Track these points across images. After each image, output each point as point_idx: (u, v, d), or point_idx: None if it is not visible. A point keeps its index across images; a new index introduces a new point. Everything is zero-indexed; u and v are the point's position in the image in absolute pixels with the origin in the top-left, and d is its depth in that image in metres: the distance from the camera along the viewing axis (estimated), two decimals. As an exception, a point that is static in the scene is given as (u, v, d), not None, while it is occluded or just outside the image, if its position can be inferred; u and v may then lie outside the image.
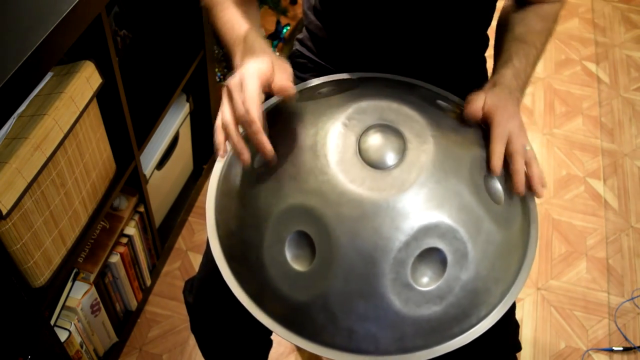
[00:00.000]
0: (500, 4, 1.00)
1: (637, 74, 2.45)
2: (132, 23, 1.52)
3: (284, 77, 0.80)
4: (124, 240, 1.42)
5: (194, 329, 1.07)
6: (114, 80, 1.17)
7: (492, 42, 1.01)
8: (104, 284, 1.39)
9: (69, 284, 1.27)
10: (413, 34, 0.97)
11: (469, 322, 0.74)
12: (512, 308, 0.96)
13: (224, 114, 0.78)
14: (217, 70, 1.96)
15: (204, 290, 1.01)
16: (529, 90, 2.28)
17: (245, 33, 0.86)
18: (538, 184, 0.80)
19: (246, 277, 0.77)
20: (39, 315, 1.11)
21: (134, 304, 1.57)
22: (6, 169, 0.91)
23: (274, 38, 2.23)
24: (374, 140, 0.75)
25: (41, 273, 1.09)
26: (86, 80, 1.06)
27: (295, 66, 1.08)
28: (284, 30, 2.26)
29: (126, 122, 1.25)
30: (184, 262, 1.76)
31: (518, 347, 0.99)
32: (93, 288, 1.31)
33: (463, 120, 0.83)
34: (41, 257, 1.07)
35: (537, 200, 0.83)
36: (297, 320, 0.74)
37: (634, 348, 1.65)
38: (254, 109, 0.74)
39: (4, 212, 0.92)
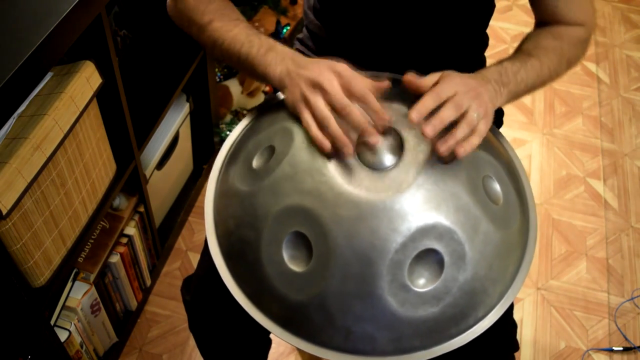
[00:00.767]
0: (500, 4, 1.00)
1: (637, 74, 2.45)
2: (132, 23, 1.52)
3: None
4: (124, 240, 1.42)
5: (192, 327, 1.07)
6: (114, 80, 1.17)
7: (492, 43, 1.01)
8: (104, 284, 1.39)
9: (69, 284, 1.27)
10: (412, 33, 0.97)
11: (466, 323, 0.74)
12: (510, 308, 0.96)
13: (319, 110, 0.75)
14: (217, 70, 1.96)
15: (202, 288, 1.02)
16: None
17: (274, 42, 0.84)
18: (460, 148, 0.72)
19: (244, 276, 0.77)
20: (39, 315, 1.11)
21: (134, 304, 1.57)
22: (6, 169, 0.91)
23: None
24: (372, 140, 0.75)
25: (41, 273, 1.09)
26: (86, 80, 1.06)
27: None
28: (284, 30, 2.26)
29: (126, 122, 1.25)
30: (184, 262, 1.76)
31: (516, 347, 0.99)
32: (93, 288, 1.31)
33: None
34: (41, 257, 1.07)
35: (537, 200, 0.83)
36: (294, 320, 0.74)
37: (634, 348, 1.64)
38: (360, 82, 0.74)
39: (4, 212, 0.92)
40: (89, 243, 1.32)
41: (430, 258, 0.71)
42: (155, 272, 1.68)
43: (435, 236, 0.71)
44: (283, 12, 2.10)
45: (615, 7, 2.75)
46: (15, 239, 0.99)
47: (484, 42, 1.08)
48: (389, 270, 0.70)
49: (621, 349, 1.64)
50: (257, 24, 2.16)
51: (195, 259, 1.77)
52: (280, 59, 0.81)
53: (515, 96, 0.86)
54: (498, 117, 1.12)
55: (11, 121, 0.97)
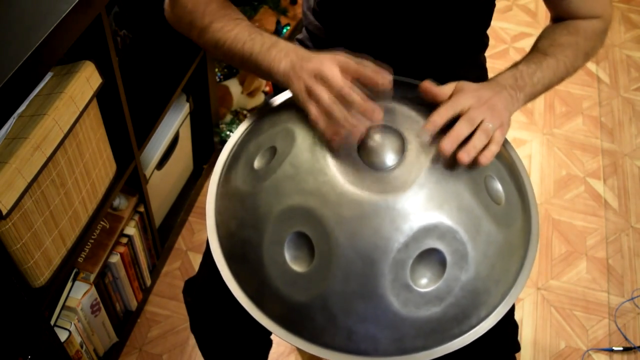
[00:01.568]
0: (500, 4, 1.00)
1: (637, 74, 2.45)
2: (132, 23, 1.52)
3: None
4: (124, 240, 1.42)
5: (194, 329, 1.07)
6: (114, 80, 1.17)
7: (492, 43, 1.01)
8: (104, 284, 1.39)
9: (69, 284, 1.27)
10: (411, 34, 0.97)
11: (468, 323, 0.74)
12: (512, 308, 0.96)
13: (323, 100, 0.74)
14: (217, 70, 1.96)
15: (204, 290, 1.02)
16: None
17: (276, 39, 0.84)
18: (482, 156, 0.74)
19: (246, 277, 0.77)
20: (39, 315, 1.11)
21: (134, 304, 1.57)
22: (6, 169, 0.91)
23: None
24: (374, 140, 0.75)
25: (41, 273, 1.09)
26: (86, 80, 1.06)
27: None
28: (284, 30, 2.26)
29: (126, 122, 1.25)
30: (184, 262, 1.76)
31: (517, 348, 0.98)
32: (93, 288, 1.31)
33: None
34: (41, 257, 1.07)
35: (537, 200, 0.83)
36: (296, 321, 0.74)
37: (634, 348, 1.64)
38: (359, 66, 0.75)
39: (4, 212, 0.92)
40: (89, 243, 1.32)
41: (432, 258, 0.71)
42: (155, 272, 1.68)
43: (437, 236, 0.71)
44: (283, 12, 2.10)
45: (615, 7, 2.75)
46: (15, 239, 0.99)
47: (484, 43, 1.08)
48: (392, 270, 0.70)
49: (621, 349, 1.64)
50: (257, 24, 2.16)
51: (195, 259, 1.77)
52: (284, 55, 0.81)
53: (532, 97, 0.88)
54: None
55: (11, 121, 0.97)
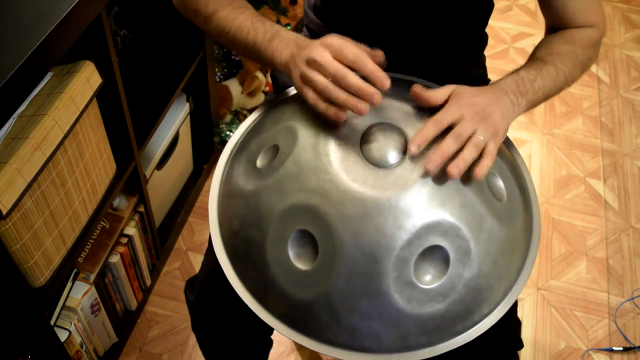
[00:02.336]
0: (500, 4, 1.00)
1: (637, 74, 2.45)
2: (132, 23, 1.52)
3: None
4: (124, 240, 1.42)
5: (195, 328, 1.07)
6: (114, 80, 1.17)
7: (492, 43, 1.01)
8: (104, 284, 1.39)
9: (69, 284, 1.27)
10: (412, 31, 0.97)
11: (472, 320, 0.74)
12: (514, 305, 0.96)
13: (318, 82, 0.74)
14: (217, 70, 1.96)
15: (206, 289, 1.01)
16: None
17: (278, 28, 0.85)
18: (477, 170, 0.73)
19: (249, 276, 0.77)
20: (39, 315, 1.11)
21: (134, 304, 1.57)
22: (6, 169, 0.91)
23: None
24: (376, 138, 0.75)
25: (41, 273, 1.09)
26: (86, 80, 1.06)
27: None
28: (284, 31, 2.26)
29: (126, 122, 1.25)
30: (184, 262, 1.76)
31: (520, 345, 0.99)
32: (93, 288, 1.31)
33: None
34: (41, 257, 1.07)
35: (537, 198, 0.83)
36: (300, 319, 0.74)
37: (634, 348, 1.64)
38: (350, 48, 0.74)
39: (4, 212, 0.91)
40: (89, 243, 1.32)
41: (435, 255, 0.71)
42: (155, 272, 1.67)
43: (440, 233, 0.71)
44: (283, 12, 2.10)
45: (615, 7, 2.75)
46: (15, 239, 0.99)
47: (483, 41, 1.08)
48: (395, 268, 0.70)
49: (621, 349, 1.64)
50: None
51: (195, 258, 1.77)
52: (284, 45, 0.81)
53: (532, 105, 0.86)
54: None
55: (11, 121, 0.97)
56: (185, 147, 1.75)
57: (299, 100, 0.83)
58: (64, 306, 1.26)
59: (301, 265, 0.73)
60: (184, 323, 1.63)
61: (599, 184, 2.05)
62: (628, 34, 2.63)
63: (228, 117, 1.98)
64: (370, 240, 0.70)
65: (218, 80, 1.97)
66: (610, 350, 1.64)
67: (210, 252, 1.03)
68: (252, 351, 1.11)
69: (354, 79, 0.73)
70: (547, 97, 0.87)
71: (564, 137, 2.19)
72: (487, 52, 1.11)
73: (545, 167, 2.09)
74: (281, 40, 0.82)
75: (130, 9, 1.48)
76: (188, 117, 1.69)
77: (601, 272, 1.81)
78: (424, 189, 0.72)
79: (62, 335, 1.23)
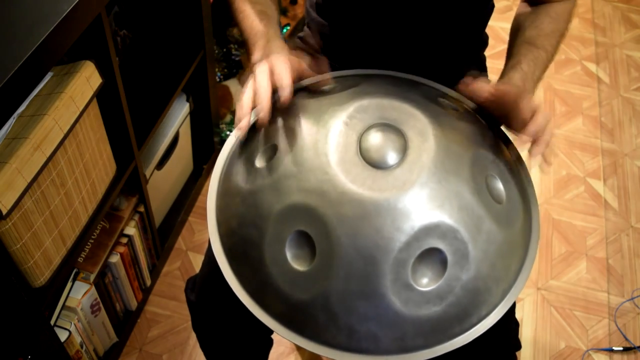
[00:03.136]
0: (500, 4, 1.00)
1: (637, 74, 2.45)
2: (132, 23, 1.52)
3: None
4: (124, 240, 1.42)
5: (196, 327, 1.07)
6: (114, 80, 1.17)
7: (492, 43, 1.02)
8: (104, 284, 1.39)
9: (69, 284, 1.27)
10: (413, 30, 0.97)
11: (469, 322, 0.74)
12: (513, 307, 0.96)
13: (259, 83, 0.80)
14: (217, 70, 1.96)
15: (206, 288, 1.02)
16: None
17: (265, 29, 0.88)
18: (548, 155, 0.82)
19: (247, 276, 0.77)
20: (39, 315, 1.11)
21: (134, 304, 1.57)
22: (6, 169, 0.91)
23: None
24: (375, 139, 0.75)
25: (41, 273, 1.09)
26: (86, 80, 1.06)
27: None
28: (284, 30, 2.26)
29: (126, 122, 1.25)
30: (184, 262, 1.76)
31: (518, 346, 0.99)
32: (93, 288, 1.31)
33: (465, 118, 0.83)
34: (41, 257, 1.07)
35: (537, 200, 0.83)
36: (297, 319, 0.74)
37: (634, 348, 1.64)
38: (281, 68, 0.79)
39: (4, 212, 0.91)
40: (89, 243, 1.32)
41: (433, 257, 0.71)
42: (155, 272, 1.68)
43: (438, 235, 0.71)
44: (283, 12, 2.10)
45: (615, 7, 2.75)
46: (15, 239, 0.99)
47: (483, 41, 1.08)
48: (393, 269, 0.70)
49: (621, 349, 1.64)
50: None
51: (195, 259, 1.77)
52: (259, 50, 0.86)
53: None
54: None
55: (11, 121, 0.97)
56: (185, 147, 1.75)
57: (298, 100, 0.83)
58: (64, 306, 1.26)
59: (299, 266, 0.72)
60: (184, 323, 1.63)
61: (599, 184, 2.05)
62: (628, 34, 2.63)
63: (228, 117, 1.98)
64: (368, 241, 0.70)
65: (218, 80, 1.97)
66: (610, 350, 1.64)
67: (209, 251, 1.03)
68: (252, 350, 1.12)
69: (239, 114, 0.80)
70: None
71: (564, 137, 2.19)
72: (487, 52, 1.11)
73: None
74: (260, 47, 0.87)
75: (130, 9, 1.48)
76: (188, 117, 1.70)
77: (601, 272, 1.81)
78: (422, 191, 0.72)
79: (62, 335, 1.23)
